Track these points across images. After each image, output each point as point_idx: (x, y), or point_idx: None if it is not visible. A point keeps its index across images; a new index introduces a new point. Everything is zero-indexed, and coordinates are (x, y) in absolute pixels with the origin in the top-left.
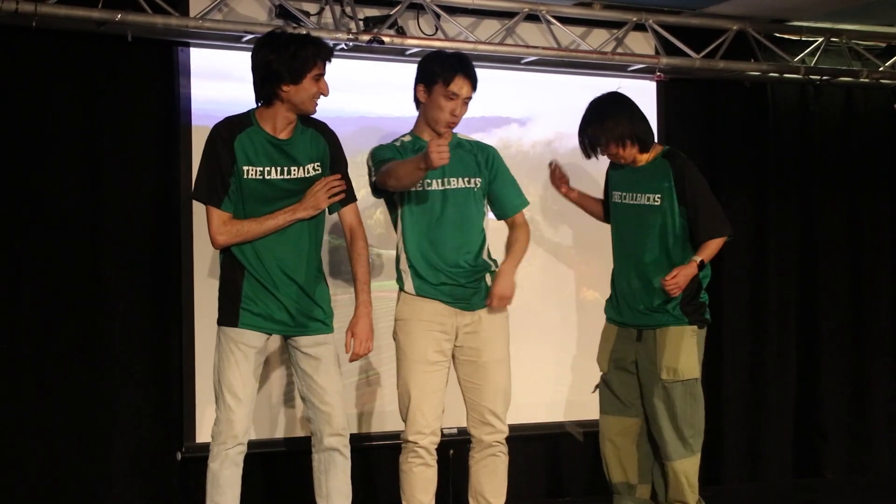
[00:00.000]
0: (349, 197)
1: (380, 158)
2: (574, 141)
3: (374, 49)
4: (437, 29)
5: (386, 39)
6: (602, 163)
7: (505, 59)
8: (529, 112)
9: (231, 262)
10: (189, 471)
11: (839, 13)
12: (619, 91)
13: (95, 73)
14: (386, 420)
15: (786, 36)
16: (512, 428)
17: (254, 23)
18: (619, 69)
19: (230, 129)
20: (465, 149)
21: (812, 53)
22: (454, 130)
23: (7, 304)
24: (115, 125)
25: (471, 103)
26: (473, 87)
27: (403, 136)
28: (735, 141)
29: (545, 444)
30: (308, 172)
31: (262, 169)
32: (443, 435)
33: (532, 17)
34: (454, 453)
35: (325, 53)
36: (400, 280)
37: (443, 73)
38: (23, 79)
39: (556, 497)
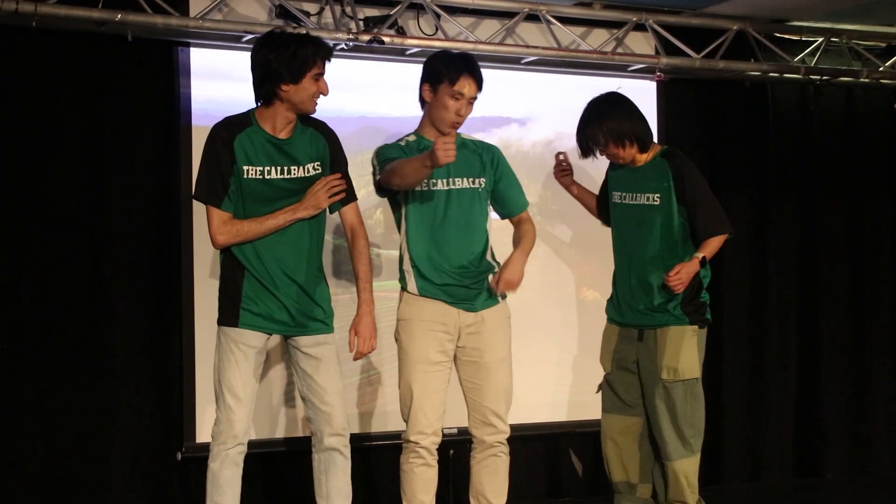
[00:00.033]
0: (350, 196)
1: (385, 157)
2: (574, 141)
3: (375, 49)
4: (437, 29)
5: (386, 39)
6: (602, 163)
7: (505, 59)
8: (529, 112)
9: (231, 262)
10: (189, 471)
11: (839, 13)
12: (618, 91)
13: (95, 73)
14: (386, 420)
15: (786, 36)
16: (512, 428)
17: (254, 23)
18: (619, 69)
19: (230, 129)
20: (470, 149)
21: (812, 53)
22: (458, 130)
23: (7, 304)
24: (115, 125)
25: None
26: (479, 87)
27: (408, 135)
28: (735, 141)
29: (545, 444)
30: (308, 172)
31: (262, 169)
32: (443, 435)
33: (532, 17)
34: (454, 453)
35: (325, 53)
36: (403, 280)
37: (448, 73)
38: (23, 79)
39: (556, 497)
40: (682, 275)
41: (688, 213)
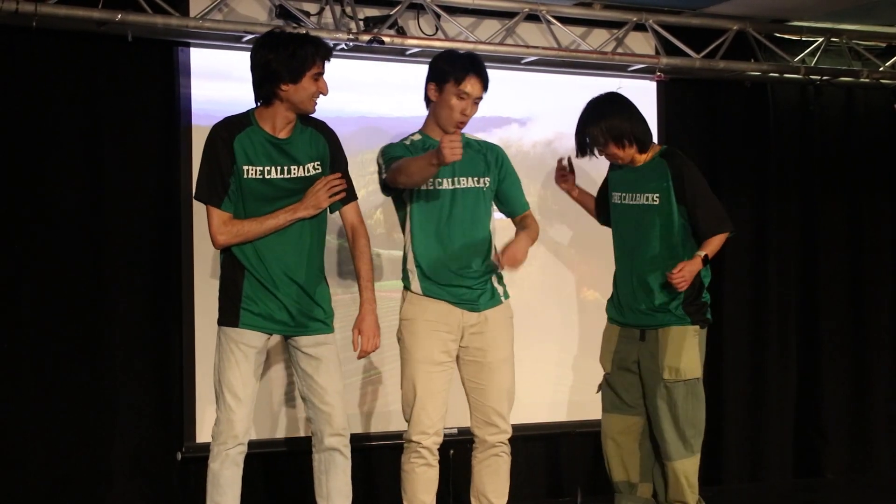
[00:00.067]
0: (350, 195)
1: (390, 156)
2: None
3: (375, 49)
4: (437, 29)
5: (386, 39)
6: (602, 163)
7: (505, 59)
8: (529, 112)
9: (231, 262)
10: (189, 471)
11: (839, 13)
12: (618, 91)
13: (95, 73)
14: (387, 420)
15: (786, 36)
16: (513, 428)
17: (254, 23)
18: (620, 69)
19: (229, 129)
20: (475, 148)
21: (812, 53)
22: (461, 130)
23: (7, 304)
24: (115, 125)
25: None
26: (485, 87)
27: (413, 134)
28: (735, 141)
29: (545, 444)
30: (308, 171)
31: (262, 168)
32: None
33: (532, 17)
34: (454, 453)
35: (324, 52)
36: (406, 279)
37: (454, 73)
38: (23, 79)
39: (556, 497)
40: (684, 273)
41: (688, 213)
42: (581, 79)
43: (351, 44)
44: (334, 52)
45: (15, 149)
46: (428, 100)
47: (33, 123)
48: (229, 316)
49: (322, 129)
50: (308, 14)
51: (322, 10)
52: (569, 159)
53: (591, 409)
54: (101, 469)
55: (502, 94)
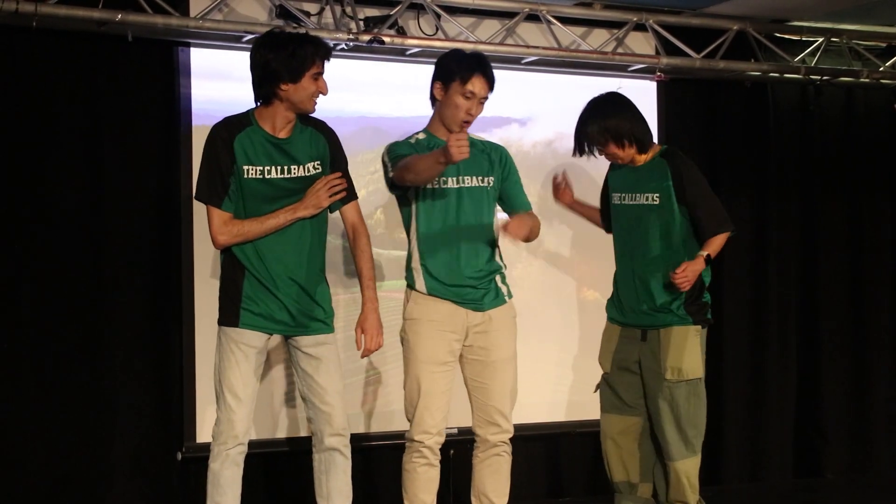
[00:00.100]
0: (350, 195)
1: (396, 154)
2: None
3: (375, 49)
4: (437, 29)
5: (386, 39)
6: (602, 163)
7: (505, 59)
8: (529, 112)
9: (232, 262)
10: (189, 471)
11: (839, 13)
12: (618, 91)
13: (95, 73)
14: (387, 420)
15: (786, 36)
16: (513, 427)
17: (254, 23)
18: (620, 69)
19: (229, 129)
20: (479, 148)
21: (812, 53)
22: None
23: (7, 304)
24: (115, 125)
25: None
26: (490, 87)
27: (418, 133)
28: (735, 141)
29: (545, 444)
30: (308, 171)
31: (262, 168)
32: None
33: (532, 17)
34: (454, 453)
35: (324, 52)
36: (411, 278)
37: (461, 72)
38: (23, 79)
39: (557, 497)
40: (687, 273)
41: (689, 213)
42: (581, 79)
43: (351, 44)
44: (334, 52)
45: (15, 149)
46: (433, 99)
47: (33, 123)
48: (229, 316)
49: (322, 128)
50: (308, 14)
51: (322, 10)
52: (563, 174)
53: (590, 409)
54: (101, 469)
55: (502, 94)
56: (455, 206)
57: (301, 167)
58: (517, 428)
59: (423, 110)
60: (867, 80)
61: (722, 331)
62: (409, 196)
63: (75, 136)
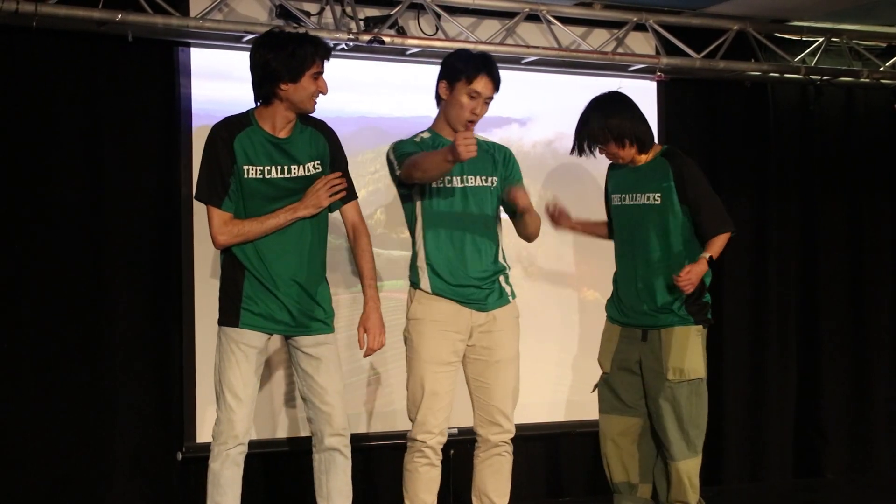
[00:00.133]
0: (350, 194)
1: (402, 152)
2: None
3: (375, 49)
4: (437, 29)
5: (386, 39)
6: (603, 162)
7: (505, 59)
8: (529, 112)
9: (232, 262)
10: (190, 471)
11: (839, 13)
12: (620, 91)
13: (95, 73)
14: (387, 420)
15: (786, 36)
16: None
17: (254, 23)
18: (620, 69)
19: (229, 128)
20: (483, 148)
21: (812, 53)
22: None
23: (7, 304)
24: (115, 125)
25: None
26: (496, 87)
27: (422, 132)
28: (735, 141)
29: (545, 444)
30: (308, 171)
31: (262, 168)
32: None
33: (532, 17)
34: (454, 453)
35: (324, 52)
36: (415, 277)
37: (466, 71)
38: (23, 79)
39: (557, 497)
40: (691, 276)
41: (691, 213)
42: (581, 79)
43: (351, 44)
44: (334, 52)
45: (15, 149)
46: (439, 98)
47: (33, 123)
48: (230, 316)
49: (322, 128)
50: (308, 14)
51: (322, 10)
52: (553, 201)
53: (590, 409)
54: (101, 469)
55: (502, 94)
56: (460, 205)
57: (301, 167)
58: (517, 428)
59: (423, 110)
60: (867, 80)
61: (722, 331)
62: (414, 194)
63: (75, 136)
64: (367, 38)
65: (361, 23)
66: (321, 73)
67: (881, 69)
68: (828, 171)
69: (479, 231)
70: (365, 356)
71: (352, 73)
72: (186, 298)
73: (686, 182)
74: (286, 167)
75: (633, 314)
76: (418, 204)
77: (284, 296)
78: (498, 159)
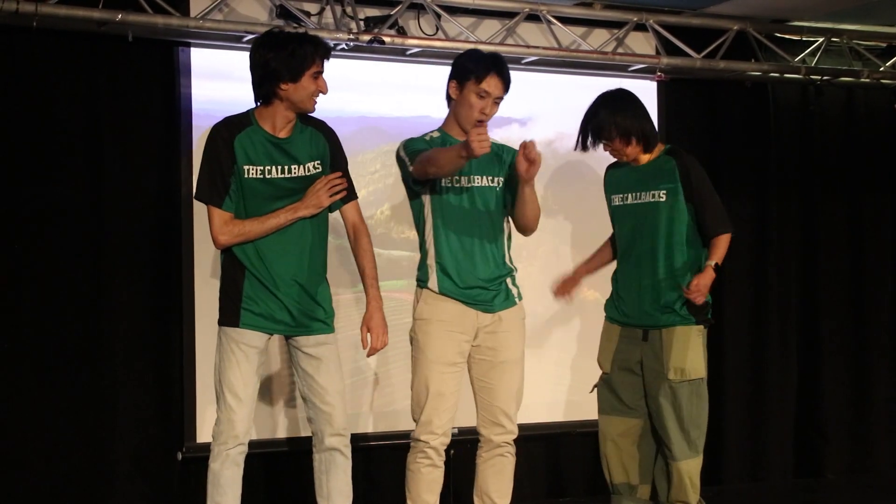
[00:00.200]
0: (350, 194)
1: (414, 149)
2: (574, 141)
3: (375, 49)
4: (437, 29)
5: (386, 39)
6: (603, 162)
7: (505, 60)
8: (530, 112)
9: (232, 262)
10: (190, 471)
11: (840, 13)
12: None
13: (96, 73)
14: (388, 420)
15: (786, 36)
16: None
17: (254, 23)
18: (620, 69)
19: (230, 128)
20: (492, 149)
21: (813, 53)
22: None
23: (7, 304)
24: (115, 125)
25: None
26: (506, 87)
27: (432, 131)
28: (736, 141)
29: (545, 445)
30: (309, 171)
31: (262, 168)
32: None
33: (533, 17)
34: (455, 453)
35: (324, 51)
36: (424, 275)
37: (476, 71)
38: (23, 79)
39: (557, 497)
40: (700, 287)
41: (695, 211)
42: (581, 79)
43: (351, 44)
44: (334, 52)
45: (15, 148)
46: (449, 97)
47: (33, 123)
48: (230, 316)
49: (322, 128)
50: (308, 14)
51: (322, 10)
52: (558, 285)
53: (590, 409)
54: (101, 469)
55: None
56: (468, 204)
57: (301, 167)
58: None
59: (423, 110)
60: (867, 80)
61: (722, 331)
62: (423, 192)
63: (75, 137)
64: (367, 38)
65: (361, 23)
66: (321, 72)
67: (881, 69)
68: (828, 171)
69: (488, 232)
70: (368, 356)
71: (352, 73)
72: (186, 298)
73: (693, 180)
74: (286, 167)
75: (635, 314)
76: (427, 202)
77: (285, 296)
78: (506, 160)
